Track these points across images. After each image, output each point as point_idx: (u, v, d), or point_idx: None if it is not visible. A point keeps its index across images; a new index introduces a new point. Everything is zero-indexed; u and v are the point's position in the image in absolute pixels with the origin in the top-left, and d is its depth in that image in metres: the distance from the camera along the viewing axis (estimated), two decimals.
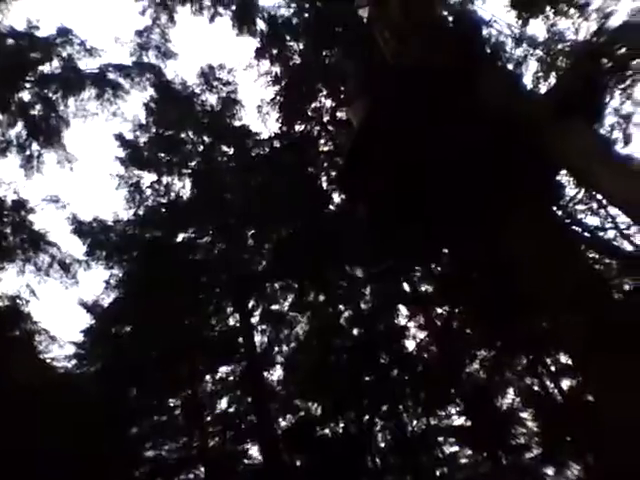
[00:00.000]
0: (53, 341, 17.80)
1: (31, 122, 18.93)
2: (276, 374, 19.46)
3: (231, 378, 19.50)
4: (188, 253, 20.14)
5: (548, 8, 14.36)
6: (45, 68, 18.98)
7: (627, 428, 3.45)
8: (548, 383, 15.45)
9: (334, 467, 14.65)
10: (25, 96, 18.97)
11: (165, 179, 21.98)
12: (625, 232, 12.78)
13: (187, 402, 18.73)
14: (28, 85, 18.88)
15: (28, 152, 18.99)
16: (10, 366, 13.57)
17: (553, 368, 15.29)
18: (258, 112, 19.06)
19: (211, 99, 22.80)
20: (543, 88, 13.97)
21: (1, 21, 17.99)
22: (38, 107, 19.10)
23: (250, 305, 19.69)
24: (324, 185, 18.22)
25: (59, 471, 11.89)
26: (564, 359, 14.01)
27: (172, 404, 18.98)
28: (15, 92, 18.64)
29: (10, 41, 18.17)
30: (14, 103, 18.63)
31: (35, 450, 11.51)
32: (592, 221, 13.91)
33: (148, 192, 21.83)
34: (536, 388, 15.86)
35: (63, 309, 43.28)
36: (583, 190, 12.33)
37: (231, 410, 19.22)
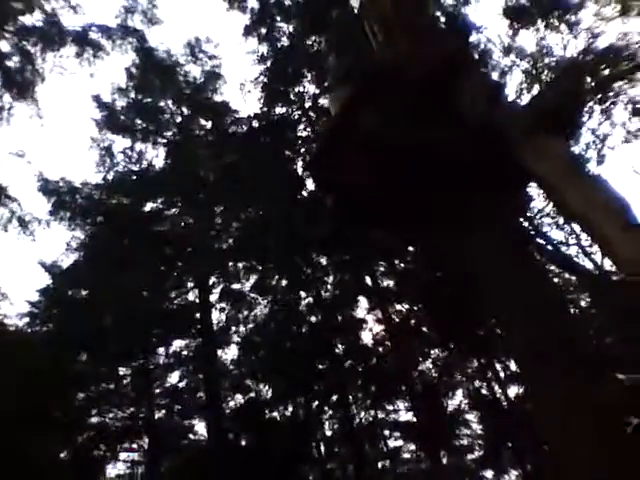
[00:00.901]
0: (4, 297, 17.45)
1: (6, 73, 18.35)
2: (230, 353, 19.40)
3: (185, 353, 19.36)
4: (154, 223, 19.92)
5: (540, 21, 14.51)
6: (26, 19, 18.41)
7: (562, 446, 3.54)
8: (496, 388, 15.78)
9: (279, 450, 14.75)
10: (3, 46, 18.36)
11: (139, 146, 21.70)
12: (587, 249, 13.07)
13: (137, 372, 18.60)
14: (7, 35, 18.28)
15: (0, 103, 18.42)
16: None
17: (502, 374, 15.63)
18: (240, 90, 18.87)
19: (194, 71, 22.55)
20: (525, 99, 14.16)
21: None
22: (15, 58, 18.52)
23: (211, 282, 19.61)
24: (299, 170, 18.16)
25: (3, 429, 11.77)
26: (513, 367, 14.32)
27: (122, 373, 18.78)
28: None
29: None
30: None
31: None
32: (557, 235, 14.20)
33: (120, 157, 21.52)
34: (484, 392, 16.20)
35: (19, 266, 42.45)
36: (551, 204, 12.56)
37: (181, 385, 19.14)
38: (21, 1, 17.98)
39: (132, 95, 21.79)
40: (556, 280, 12.60)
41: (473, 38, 14.60)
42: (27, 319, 18.73)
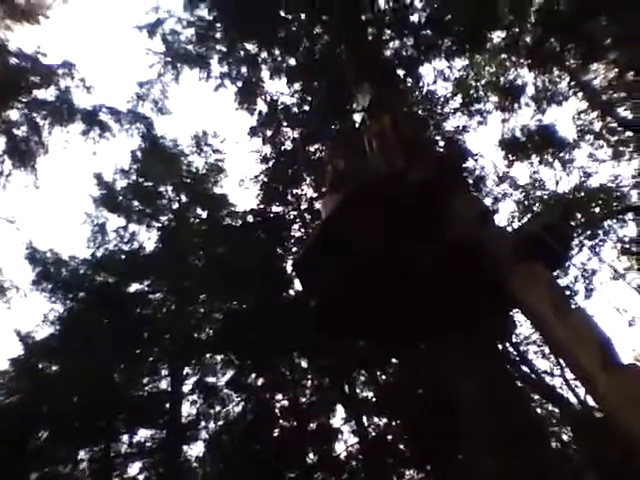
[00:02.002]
0: None
1: (12, 140, 18.82)
2: (196, 450, 18.56)
3: (149, 444, 18.48)
4: (137, 305, 19.71)
5: (534, 156, 15.17)
6: (40, 93, 19.11)
7: None
8: None
9: None
10: (13, 115, 18.96)
11: (132, 227, 21.92)
12: (571, 382, 12.92)
13: (97, 458, 17.69)
14: (19, 105, 18.93)
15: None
16: None
17: None
18: (240, 185, 19.33)
19: (198, 162, 23.19)
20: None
21: (9, 40, 18.29)
22: (23, 128, 19.04)
23: (185, 372, 19.13)
24: (288, 269, 18.23)
25: None
26: None
27: (81, 457, 17.84)
28: (5, 109, 18.65)
29: (14, 60, 18.40)
30: (0, 119, 18.61)
31: None
32: (541, 364, 14.11)
33: (112, 236, 21.64)
34: None
35: None
36: (536, 333, 12.59)
37: (141, 477, 18.17)
38: (39, 75, 18.76)
39: (133, 177, 22.28)
40: (539, 410, 12.38)
41: (469, 164, 15.22)
42: None
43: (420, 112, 15.22)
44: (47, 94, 19.16)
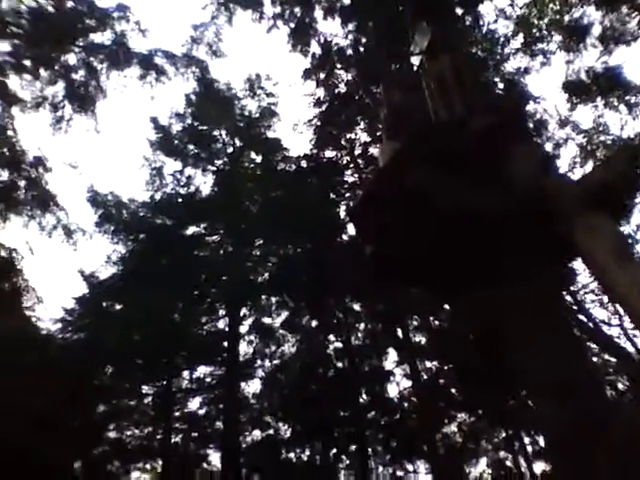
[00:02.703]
0: (39, 301, 17.79)
1: (70, 85, 19.09)
2: (253, 387, 19.35)
3: (208, 380, 19.35)
4: (194, 247, 20.20)
5: (599, 99, 14.42)
6: (96, 37, 19.23)
7: None
8: (522, 462, 15.20)
9: None
10: (71, 59, 19.17)
11: (189, 171, 22.24)
12: (629, 332, 12.66)
13: (159, 393, 18.66)
14: (76, 49, 19.10)
15: (60, 113, 19.10)
16: None
17: (530, 448, 15.07)
18: (293, 129, 19.24)
19: (251, 105, 23.14)
20: (578, 174, 14.03)
21: None
22: (81, 72, 19.27)
23: (242, 313, 19.68)
24: (341, 214, 18.27)
25: (22, 432, 11.86)
26: (542, 442, 13.85)
27: (144, 391, 18.86)
28: (62, 53, 18.86)
29: (70, 3, 18.48)
30: (59, 63, 18.85)
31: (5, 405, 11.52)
32: (599, 314, 13.84)
33: (169, 179, 22.06)
34: (509, 464, 15.65)
35: (58, 272, 43.38)
36: (595, 282, 12.30)
37: (201, 412, 19.13)
38: (94, 19, 18.81)
39: (188, 121, 22.45)
40: (595, 359, 12.25)
41: (530, 107, 14.63)
42: (60, 325, 19.03)
43: (480, 52, 14.63)
44: (103, 38, 19.25)
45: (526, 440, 15.04)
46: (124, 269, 19.90)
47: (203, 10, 18.16)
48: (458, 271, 4.87)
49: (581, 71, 14.61)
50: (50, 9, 18.06)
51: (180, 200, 21.43)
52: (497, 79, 14.75)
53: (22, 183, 18.32)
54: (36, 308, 17.87)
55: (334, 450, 16.38)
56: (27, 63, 18.28)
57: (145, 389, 18.93)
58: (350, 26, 15.92)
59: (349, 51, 16.49)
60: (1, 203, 17.72)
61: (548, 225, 4.30)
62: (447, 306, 14.05)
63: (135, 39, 19.31)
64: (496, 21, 14.87)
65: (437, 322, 16.08)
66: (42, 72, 18.68)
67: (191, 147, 22.28)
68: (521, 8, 14.71)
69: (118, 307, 19.29)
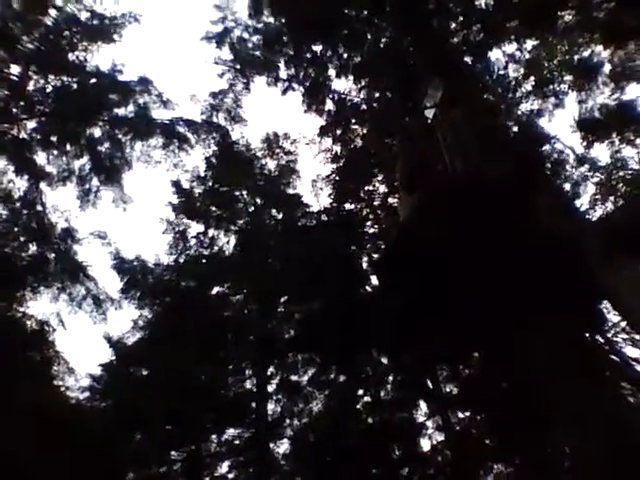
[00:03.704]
0: (70, 372, 17.89)
1: (96, 158, 19.76)
2: (282, 447, 18.90)
3: (237, 442, 18.98)
4: (219, 308, 20.24)
5: (614, 134, 14.47)
6: (120, 110, 20.02)
7: None
8: None
9: None
10: (96, 132, 19.93)
11: (211, 232, 22.54)
12: None
13: (189, 458, 18.32)
14: (101, 123, 19.84)
15: (87, 186, 19.73)
16: (25, 388, 13.65)
17: None
18: (312, 185, 19.62)
19: (270, 164, 23.66)
20: (599, 211, 13.92)
21: (89, 60, 19.24)
22: (106, 145, 20.00)
23: (269, 372, 19.49)
24: (364, 266, 18.24)
25: None
26: None
27: (173, 457, 18.55)
28: (87, 127, 19.59)
29: (93, 80, 19.32)
30: (84, 137, 19.54)
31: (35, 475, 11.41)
32: (631, 352, 13.48)
33: (192, 242, 22.34)
34: None
35: (86, 340, 43.62)
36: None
37: (231, 476, 18.72)
38: (118, 93, 19.59)
39: (209, 183, 22.91)
40: (630, 400, 11.82)
41: (546, 148, 14.69)
42: (88, 393, 18.98)
43: (491, 98, 14.84)
44: (126, 111, 20.05)
45: None
46: (150, 333, 19.95)
47: (221, 78, 18.91)
48: (486, 319, 4.81)
49: (594, 109, 14.72)
50: (74, 86, 18.94)
51: (204, 261, 21.65)
52: (511, 123, 14.88)
53: (52, 256, 18.73)
54: (66, 378, 17.99)
55: None
56: (53, 139, 19.01)
57: (174, 455, 18.62)
58: (363, 82, 16.36)
59: (363, 106, 16.89)
60: (31, 276, 18.07)
61: (573, 268, 4.25)
62: (475, 354, 13.79)
63: (157, 110, 20.13)
64: (506, 67, 15.16)
65: (467, 371, 15.71)
66: (68, 147, 19.38)
67: (213, 208, 22.67)
68: (530, 52, 14.99)
69: (145, 372, 19.24)
